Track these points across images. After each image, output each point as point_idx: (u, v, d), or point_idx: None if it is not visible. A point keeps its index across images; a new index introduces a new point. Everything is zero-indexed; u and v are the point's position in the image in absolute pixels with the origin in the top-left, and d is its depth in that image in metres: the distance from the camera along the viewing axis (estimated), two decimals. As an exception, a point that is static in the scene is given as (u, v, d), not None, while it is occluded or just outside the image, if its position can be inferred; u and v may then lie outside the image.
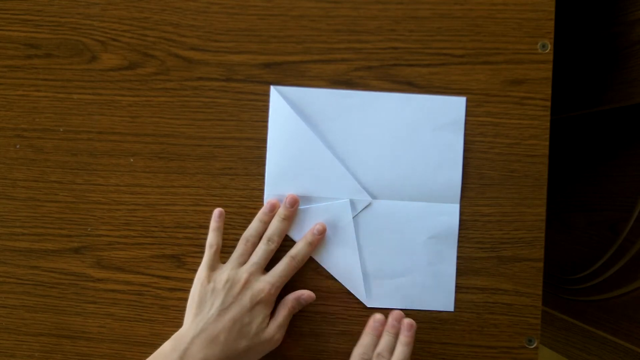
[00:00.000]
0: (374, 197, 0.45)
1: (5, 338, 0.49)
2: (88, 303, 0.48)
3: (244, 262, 0.43)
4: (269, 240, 0.43)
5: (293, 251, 0.44)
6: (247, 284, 0.42)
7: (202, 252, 0.47)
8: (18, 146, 0.48)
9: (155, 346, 0.47)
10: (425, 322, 0.46)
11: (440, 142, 0.45)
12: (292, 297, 0.44)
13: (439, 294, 0.46)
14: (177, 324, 0.47)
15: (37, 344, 0.49)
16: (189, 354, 0.39)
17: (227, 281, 0.41)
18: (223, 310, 0.41)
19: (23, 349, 0.49)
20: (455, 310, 0.46)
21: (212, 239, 0.44)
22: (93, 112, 0.47)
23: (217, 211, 0.44)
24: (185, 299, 0.47)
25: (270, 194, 0.46)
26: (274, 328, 0.43)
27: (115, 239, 0.48)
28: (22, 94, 0.48)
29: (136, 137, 0.47)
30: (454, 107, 0.45)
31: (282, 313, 0.43)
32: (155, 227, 0.47)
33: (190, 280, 0.47)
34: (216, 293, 0.41)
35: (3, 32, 0.47)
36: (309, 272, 0.46)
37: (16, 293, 0.49)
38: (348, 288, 0.46)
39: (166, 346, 0.40)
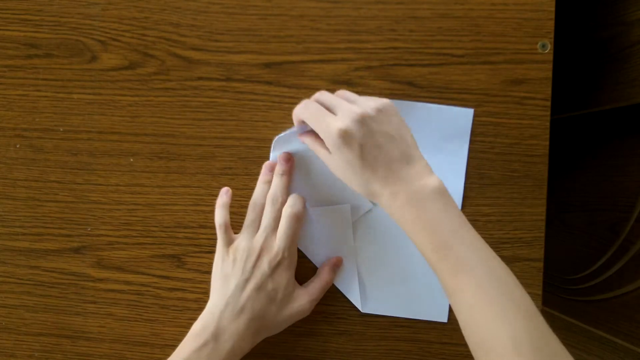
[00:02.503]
0: (374, 203, 0.45)
1: (5, 338, 0.49)
2: (88, 303, 0.48)
3: (256, 229, 0.43)
4: (273, 199, 0.43)
5: (288, 203, 0.43)
6: (263, 250, 0.42)
7: (202, 252, 0.47)
8: (18, 146, 0.48)
9: (155, 346, 0.47)
10: (425, 322, 0.46)
11: (445, 152, 0.45)
12: (325, 268, 0.45)
13: (434, 304, 0.46)
14: (177, 323, 0.47)
15: (37, 344, 0.49)
16: (220, 328, 0.40)
17: (244, 251, 0.42)
18: (245, 280, 0.41)
19: (23, 349, 0.49)
20: (448, 324, 0.46)
21: (219, 218, 0.43)
22: (93, 112, 0.47)
23: (224, 188, 0.45)
24: (185, 299, 0.47)
25: None
26: (303, 295, 0.43)
27: (115, 238, 0.48)
28: (22, 94, 0.48)
29: (136, 137, 0.47)
30: (461, 118, 0.45)
31: (314, 284, 0.44)
32: (155, 227, 0.47)
33: (190, 280, 0.47)
34: (236, 265, 0.42)
35: (3, 32, 0.47)
36: (310, 271, 0.46)
37: (16, 293, 0.49)
38: (343, 292, 0.46)
39: (196, 326, 0.41)
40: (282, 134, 0.44)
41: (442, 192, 0.36)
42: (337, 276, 0.46)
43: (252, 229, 0.43)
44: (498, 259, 0.35)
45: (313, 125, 0.38)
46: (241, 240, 0.43)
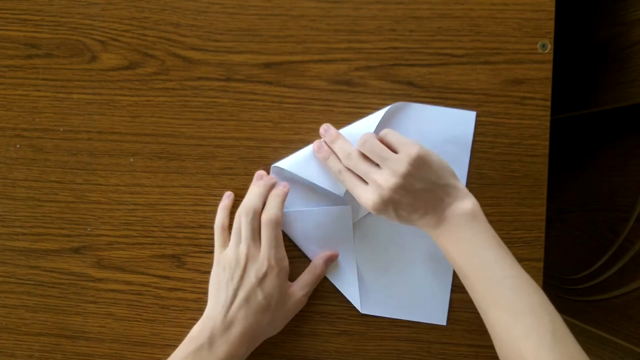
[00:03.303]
0: None
1: (5, 338, 0.49)
2: (88, 303, 0.48)
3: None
4: (247, 210, 0.42)
5: (265, 210, 0.43)
6: (248, 260, 0.42)
7: (202, 252, 0.47)
8: (18, 146, 0.48)
9: (155, 346, 0.47)
10: (425, 322, 0.46)
11: (447, 154, 0.44)
12: (318, 261, 0.45)
13: (433, 307, 0.46)
14: (177, 323, 0.47)
15: (37, 344, 0.49)
16: (214, 334, 0.40)
17: (231, 260, 0.42)
18: (236, 289, 0.41)
19: (23, 349, 0.49)
20: (448, 324, 0.46)
21: (219, 219, 0.45)
22: (93, 112, 0.47)
23: (227, 192, 0.46)
24: (185, 299, 0.47)
25: None
26: (296, 290, 0.44)
27: (115, 238, 0.48)
28: (22, 94, 0.48)
29: (136, 137, 0.47)
30: (463, 120, 0.45)
31: (306, 277, 0.45)
32: (155, 227, 0.47)
33: (190, 280, 0.47)
34: (227, 273, 0.42)
35: (3, 32, 0.47)
36: (309, 272, 0.46)
37: (16, 293, 0.49)
38: (343, 292, 0.46)
39: (195, 329, 0.42)
40: (286, 164, 0.45)
41: (473, 215, 0.38)
42: (337, 276, 0.46)
43: (239, 237, 0.43)
44: (526, 278, 0.36)
45: (349, 190, 0.42)
46: (229, 249, 0.43)
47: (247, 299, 0.41)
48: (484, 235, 0.37)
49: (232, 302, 0.41)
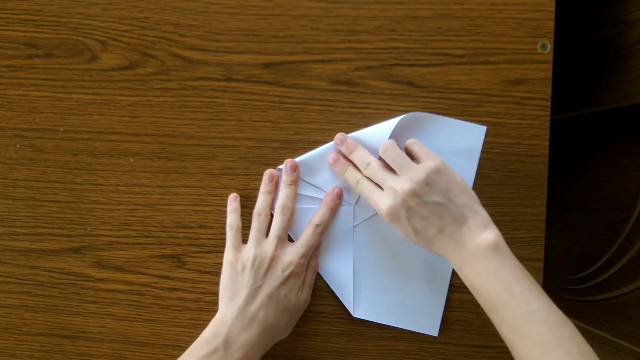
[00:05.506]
0: None
1: (5, 338, 0.49)
2: (88, 303, 0.48)
3: (264, 236, 0.43)
4: (283, 209, 0.43)
5: (315, 219, 0.44)
6: (274, 258, 0.42)
7: (202, 252, 0.47)
8: (18, 146, 0.48)
9: (155, 346, 0.47)
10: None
11: (454, 165, 0.43)
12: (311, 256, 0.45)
13: (426, 316, 0.46)
14: (177, 323, 0.47)
15: (37, 344, 0.49)
16: (231, 337, 0.39)
17: (254, 258, 0.42)
18: (257, 288, 0.41)
19: (23, 349, 0.49)
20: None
21: (231, 220, 0.45)
22: (93, 112, 0.47)
23: (232, 195, 0.46)
24: (185, 299, 0.47)
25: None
26: (307, 292, 0.44)
27: (115, 239, 0.48)
28: (22, 94, 0.48)
29: (136, 137, 0.47)
30: (473, 134, 0.45)
31: (309, 275, 0.45)
32: (155, 227, 0.47)
33: (190, 280, 0.47)
34: (246, 272, 0.41)
35: (3, 32, 0.47)
36: (309, 272, 0.46)
37: (16, 293, 0.49)
38: (337, 294, 0.46)
39: (206, 333, 0.40)
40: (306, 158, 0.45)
41: (496, 247, 0.36)
42: (333, 277, 0.46)
43: (258, 237, 0.43)
44: (555, 311, 0.35)
45: (366, 199, 0.41)
46: (249, 248, 0.43)
47: (269, 297, 0.41)
48: (509, 268, 0.36)
49: (252, 302, 0.41)
